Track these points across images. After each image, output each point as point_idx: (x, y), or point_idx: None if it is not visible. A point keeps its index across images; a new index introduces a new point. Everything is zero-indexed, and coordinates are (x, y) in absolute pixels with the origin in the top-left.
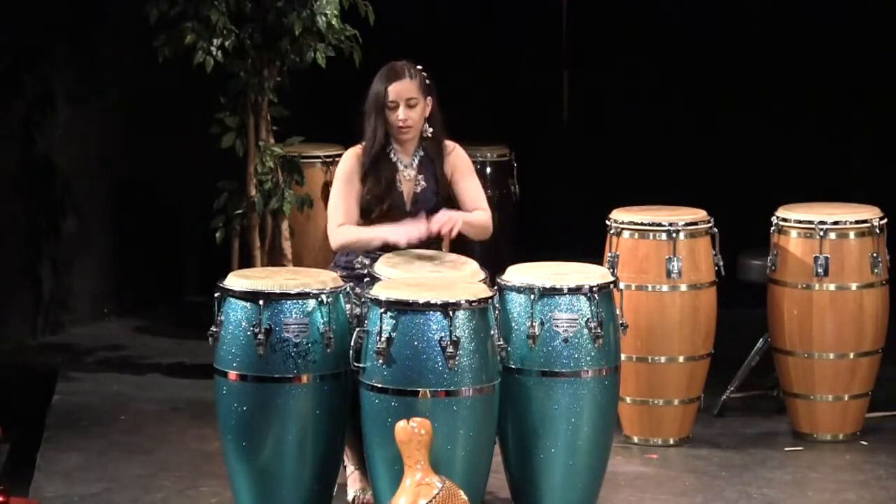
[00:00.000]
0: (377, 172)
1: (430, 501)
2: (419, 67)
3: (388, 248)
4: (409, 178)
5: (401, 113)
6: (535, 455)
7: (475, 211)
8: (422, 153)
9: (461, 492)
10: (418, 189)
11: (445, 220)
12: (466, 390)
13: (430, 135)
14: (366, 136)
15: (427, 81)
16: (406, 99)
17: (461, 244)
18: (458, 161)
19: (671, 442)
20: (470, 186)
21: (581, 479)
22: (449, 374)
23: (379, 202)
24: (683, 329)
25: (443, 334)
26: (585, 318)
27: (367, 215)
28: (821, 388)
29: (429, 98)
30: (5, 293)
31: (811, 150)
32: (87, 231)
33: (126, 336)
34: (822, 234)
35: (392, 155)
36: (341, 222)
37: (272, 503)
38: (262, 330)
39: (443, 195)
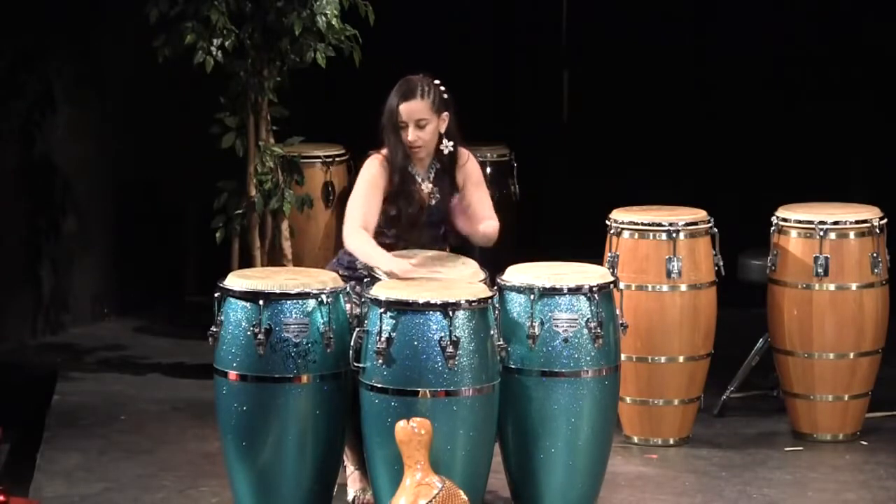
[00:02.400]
0: (402, 186)
1: (430, 501)
2: (437, 82)
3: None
4: (426, 191)
5: (410, 134)
6: (535, 455)
7: (484, 223)
8: (437, 166)
9: (461, 492)
10: (433, 202)
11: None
12: (466, 390)
13: (450, 149)
14: (388, 150)
15: (444, 96)
16: (416, 120)
17: (461, 244)
18: (470, 171)
19: (671, 442)
20: (479, 196)
21: (581, 478)
22: (449, 374)
23: (398, 218)
24: (683, 329)
25: (443, 334)
26: (585, 318)
27: (385, 223)
28: (821, 388)
29: (445, 114)
30: (5, 293)
31: (811, 150)
32: (87, 231)
33: (126, 336)
34: (822, 234)
35: (410, 168)
36: (362, 224)
37: (272, 503)
38: (262, 330)
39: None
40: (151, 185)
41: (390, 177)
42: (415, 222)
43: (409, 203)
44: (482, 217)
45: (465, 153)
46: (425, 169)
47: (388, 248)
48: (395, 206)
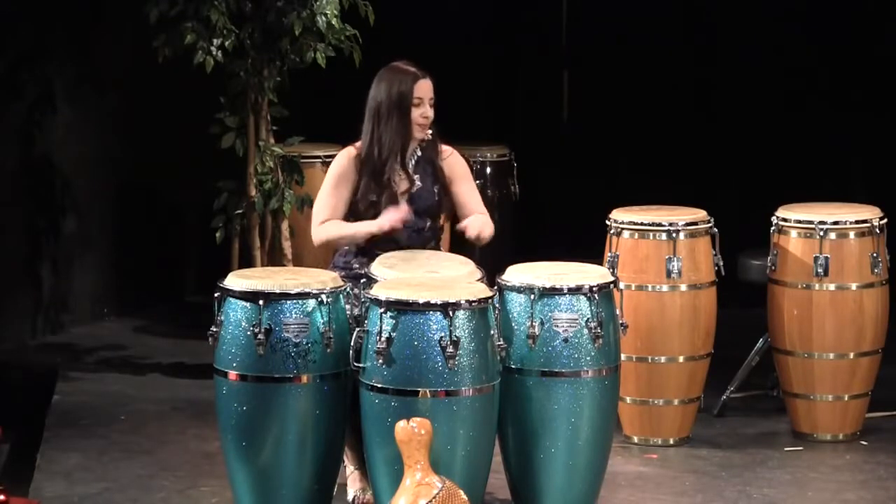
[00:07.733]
0: (379, 175)
1: (430, 501)
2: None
3: (375, 240)
4: (403, 177)
5: (428, 110)
6: (535, 455)
7: (476, 215)
8: (419, 153)
9: (461, 492)
10: (414, 189)
11: (472, 225)
12: (466, 390)
13: (429, 136)
14: (374, 140)
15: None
16: (430, 98)
17: (461, 243)
18: (455, 166)
19: (671, 442)
20: (467, 191)
21: (581, 478)
22: (449, 374)
23: (374, 205)
24: (683, 329)
25: (443, 334)
26: (585, 318)
27: (357, 213)
28: (821, 388)
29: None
30: (5, 293)
31: (811, 150)
32: (87, 231)
33: (126, 336)
34: (822, 234)
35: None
36: (325, 219)
37: (272, 503)
38: (262, 330)
39: (442, 199)
40: (151, 184)
41: (360, 168)
42: (395, 204)
43: (376, 184)
44: (471, 212)
45: (447, 148)
46: (407, 155)
47: (382, 249)
48: (362, 189)
